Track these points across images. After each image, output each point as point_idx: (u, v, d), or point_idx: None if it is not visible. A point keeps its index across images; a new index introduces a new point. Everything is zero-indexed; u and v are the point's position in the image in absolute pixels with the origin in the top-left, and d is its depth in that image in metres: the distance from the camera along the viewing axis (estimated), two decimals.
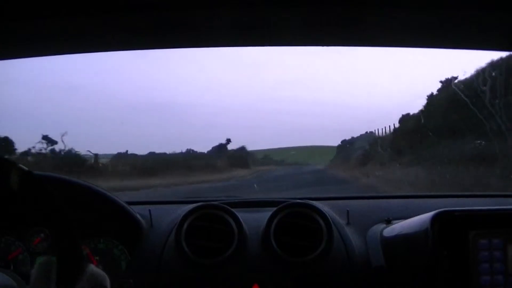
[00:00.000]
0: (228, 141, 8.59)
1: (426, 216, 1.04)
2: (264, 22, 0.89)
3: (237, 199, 1.58)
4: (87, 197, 1.31)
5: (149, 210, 1.39)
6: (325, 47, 1.04)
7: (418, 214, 1.11)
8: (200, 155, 9.12)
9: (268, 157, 11.25)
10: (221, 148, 8.69)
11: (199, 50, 1.07)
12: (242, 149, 9.48)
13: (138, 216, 1.35)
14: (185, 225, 1.25)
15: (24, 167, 0.78)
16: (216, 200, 1.44)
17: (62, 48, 1.02)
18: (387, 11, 0.83)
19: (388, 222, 1.32)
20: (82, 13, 0.81)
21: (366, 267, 1.24)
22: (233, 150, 9.05)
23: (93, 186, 1.34)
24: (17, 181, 0.77)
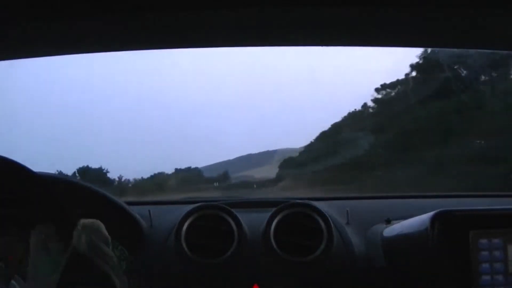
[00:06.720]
0: None
1: (426, 216, 1.05)
2: (264, 22, 0.89)
3: (237, 199, 1.58)
4: (86, 197, 1.30)
5: (149, 211, 1.39)
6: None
7: (418, 214, 1.11)
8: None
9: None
10: None
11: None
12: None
13: (138, 216, 1.35)
14: (185, 225, 1.25)
15: (27, 168, 0.78)
16: (216, 201, 1.44)
17: (62, 49, 1.02)
18: (387, 11, 0.83)
19: (388, 222, 1.32)
20: (81, 13, 0.81)
21: (366, 267, 1.24)
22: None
23: (92, 186, 1.34)
24: (19, 181, 0.77)
